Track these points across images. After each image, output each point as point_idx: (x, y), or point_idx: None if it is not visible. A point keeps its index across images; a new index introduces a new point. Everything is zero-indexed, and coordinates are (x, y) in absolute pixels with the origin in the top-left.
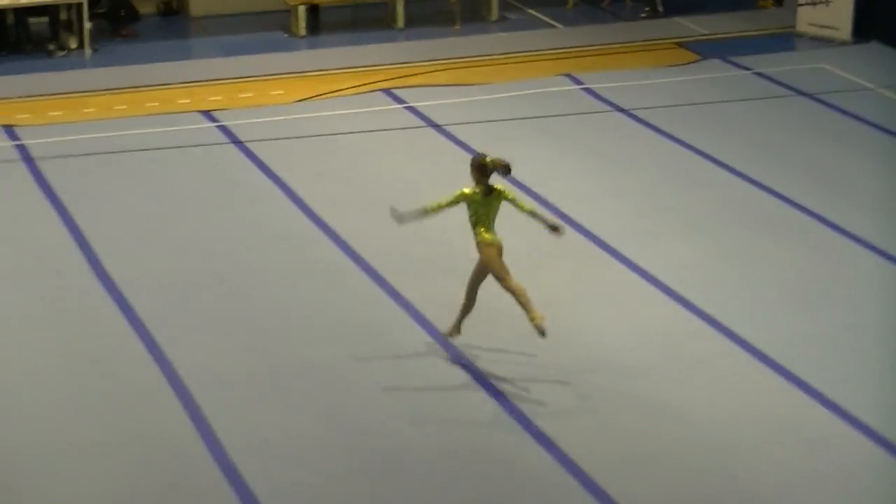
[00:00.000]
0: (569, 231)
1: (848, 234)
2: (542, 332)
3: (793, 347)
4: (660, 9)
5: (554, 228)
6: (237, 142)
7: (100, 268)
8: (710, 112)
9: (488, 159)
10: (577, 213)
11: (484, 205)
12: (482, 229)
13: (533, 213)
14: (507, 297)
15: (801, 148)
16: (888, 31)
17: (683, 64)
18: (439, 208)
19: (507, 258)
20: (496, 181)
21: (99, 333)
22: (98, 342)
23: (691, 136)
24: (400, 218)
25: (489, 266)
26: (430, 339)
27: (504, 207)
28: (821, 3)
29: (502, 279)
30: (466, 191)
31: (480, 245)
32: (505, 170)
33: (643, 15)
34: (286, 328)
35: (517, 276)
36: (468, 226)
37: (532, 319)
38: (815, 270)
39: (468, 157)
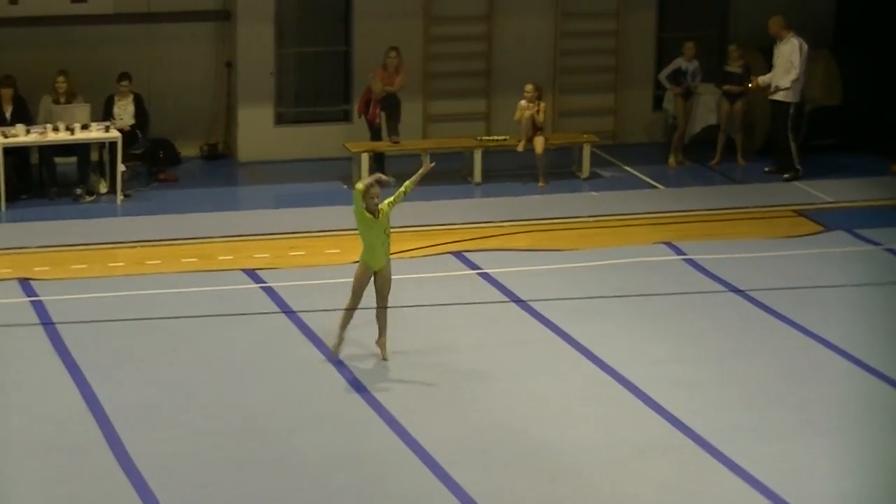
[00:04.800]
0: (664, 425)
1: None
2: (335, 353)
3: None
4: (798, 166)
5: (426, 169)
6: (285, 308)
7: (120, 447)
8: (833, 293)
9: (360, 185)
10: (675, 404)
11: (371, 227)
12: (366, 249)
13: (407, 189)
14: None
15: None
16: None
17: (804, 235)
18: (356, 195)
19: (598, 456)
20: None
21: None
22: None
23: (811, 320)
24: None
25: (355, 279)
26: None
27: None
28: None
29: (349, 299)
30: (359, 185)
31: (359, 262)
32: (377, 186)
33: (768, 170)
34: None
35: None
36: (545, 416)
37: (334, 349)
38: None
39: (545, 332)
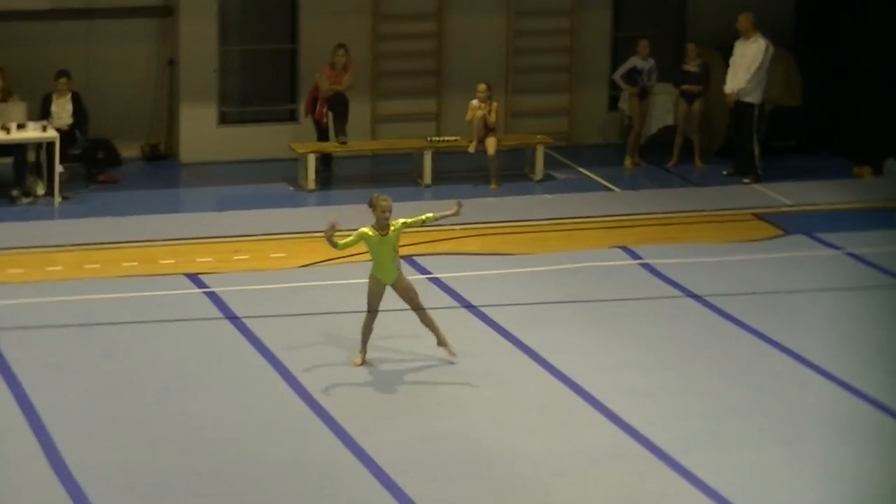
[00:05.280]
0: (619, 434)
1: None
2: (358, 364)
3: None
4: (760, 173)
5: (455, 213)
6: (229, 313)
7: (57, 458)
8: (793, 298)
9: (374, 199)
10: (630, 413)
11: (379, 244)
12: (374, 266)
13: (428, 220)
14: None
15: None
16: None
17: (763, 239)
18: (345, 246)
19: (551, 467)
20: (394, 221)
21: None
22: None
23: (770, 326)
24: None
25: (368, 295)
26: None
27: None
28: None
29: (367, 313)
30: (363, 230)
31: (369, 278)
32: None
33: (726, 173)
34: None
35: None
36: (497, 426)
37: (357, 357)
38: None
39: (498, 339)
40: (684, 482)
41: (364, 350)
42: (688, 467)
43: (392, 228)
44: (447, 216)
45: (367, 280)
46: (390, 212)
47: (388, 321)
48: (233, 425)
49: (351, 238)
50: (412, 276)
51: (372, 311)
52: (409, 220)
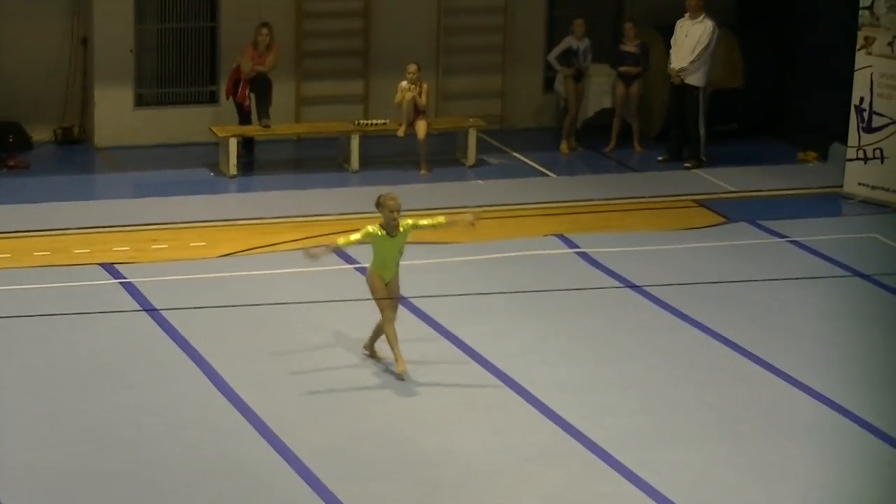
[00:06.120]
0: (555, 431)
1: None
2: (401, 378)
3: None
4: (704, 158)
5: (471, 222)
6: (147, 305)
7: None
8: (733, 289)
9: (381, 198)
10: (566, 409)
11: (386, 245)
12: (377, 264)
13: (439, 225)
14: None
15: (850, 341)
16: None
17: (705, 227)
18: (348, 244)
19: (484, 465)
20: (403, 221)
21: None
22: None
23: (711, 317)
24: (312, 255)
25: (373, 295)
26: None
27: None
28: (874, 158)
29: (382, 313)
30: (370, 228)
31: (370, 276)
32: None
33: (661, 159)
34: None
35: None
36: (428, 423)
37: (396, 366)
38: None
39: (428, 332)
40: (622, 480)
41: (399, 357)
42: (626, 464)
43: (401, 230)
44: (461, 223)
45: (292, 269)
46: (399, 212)
47: (315, 312)
48: (151, 423)
49: (356, 237)
50: (338, 267)
51: (385, 308)
52: (422, 223)
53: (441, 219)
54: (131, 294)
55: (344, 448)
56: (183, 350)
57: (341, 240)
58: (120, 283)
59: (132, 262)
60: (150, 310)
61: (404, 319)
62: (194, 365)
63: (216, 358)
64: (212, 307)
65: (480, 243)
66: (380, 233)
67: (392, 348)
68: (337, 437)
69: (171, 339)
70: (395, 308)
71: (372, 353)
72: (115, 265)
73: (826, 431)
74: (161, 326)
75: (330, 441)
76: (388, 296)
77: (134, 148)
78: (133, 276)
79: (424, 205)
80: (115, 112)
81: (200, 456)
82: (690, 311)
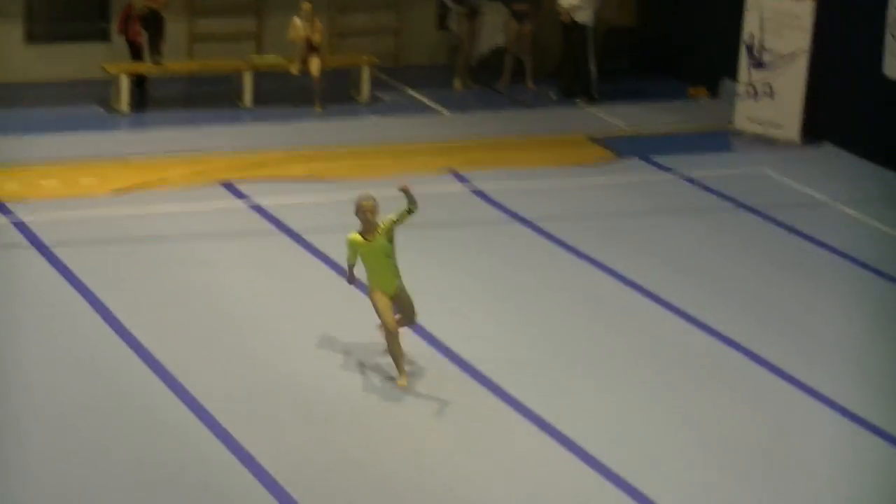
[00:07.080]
0: (445, 363)
1: (798, 383)
2: (403, 385)
3: None
4: (595, 95)
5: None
6: (36, 243)
7: None
8: (627, 224)
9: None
10: (455, 340)
11: (367, 251)
12: (371, 277)
13: (411, 210)
14: None
15: (736, 273)
16: (843, 130)
17: (596, 163)
18: (351, 263)
19: (368, 400)
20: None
21: None
22: None
23: (603, 252)
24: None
25: (381, 317)
26: None
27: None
28: (764, 95)
29: (387, 332)
30: (350, 237)
31: (370, 295)
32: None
33: (555, 98)
34: (97, 477)
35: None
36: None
37: (398, 380)
38: (752, 425)
39: (323, 269)
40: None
41: (402, 371)
42: (517, 397)
43: (378, 231)
44: (407, 194)
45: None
46: (374, 212)
47: (207, 249)
48: (45, 367)
49: (347, 252)
50: (231, 203)
51: (392, 330)
52: (395, 217)
53: (403, 209)
54: (21, 232)
55: (234, 384)
56: (75, 288)
57: (347, 263)
58: (11, 221)
59: (21, 200)
60: (42, 247)
61: (298, 256)
62: (89, 305)
63: (113, 300)
64: (104, 243)
65: (375, 180)
66: (359, 240)
67: (395, 362)
68: (228, 375)
69: (65, 278)
70: (404, 323)
71: (402, 373)
72: (3, 202)
73: (706, 361)
74: (53, 265)
75: (221, 379)
76: (398, 310)
77: (24, 85)
78: (23, 215)
79: (318, 141)
80: (5, 48)
81: (95, 397)
82: (584, 246)
